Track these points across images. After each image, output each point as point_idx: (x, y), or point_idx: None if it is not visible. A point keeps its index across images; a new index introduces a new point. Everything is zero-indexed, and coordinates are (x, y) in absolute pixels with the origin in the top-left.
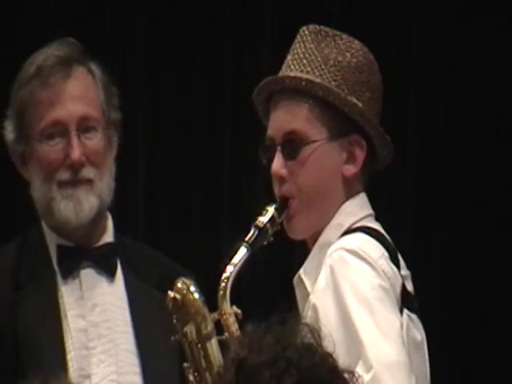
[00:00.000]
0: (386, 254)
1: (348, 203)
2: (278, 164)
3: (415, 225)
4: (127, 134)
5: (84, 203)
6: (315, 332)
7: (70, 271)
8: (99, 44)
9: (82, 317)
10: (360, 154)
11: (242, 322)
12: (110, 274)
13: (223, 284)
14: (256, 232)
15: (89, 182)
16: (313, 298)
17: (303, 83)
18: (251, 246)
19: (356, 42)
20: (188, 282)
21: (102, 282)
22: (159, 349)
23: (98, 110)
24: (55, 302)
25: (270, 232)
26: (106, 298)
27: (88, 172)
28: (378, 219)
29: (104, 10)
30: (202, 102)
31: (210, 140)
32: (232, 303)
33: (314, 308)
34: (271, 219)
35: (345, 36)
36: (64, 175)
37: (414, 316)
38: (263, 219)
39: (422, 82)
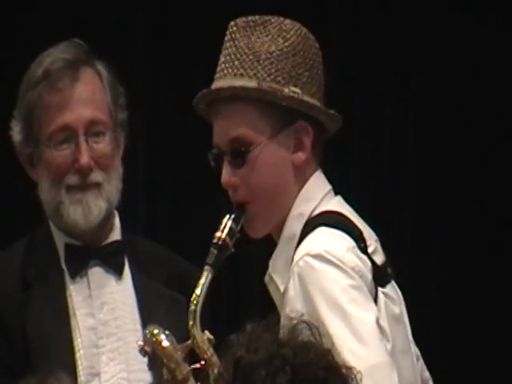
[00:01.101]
0: (352, 243)
1: (304, 189)
2: (226, 174)
3: (415, 225)
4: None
5: (93, 208)
6: (314, 329)
7: (78, 270)
8: (99, 44)
9: (91, 315)
10: (307, 140)
11: (241, 325)
12: (118, 272)
13: (192, 307)
14: (216, 251)
15: (97, 185)
16: (286, 308)
17: (237, 92)
18: (213, 267)
19: (286, 21)
20: (155, 331)
21: (110, 281)
22: None
23: (105, 112)
24: (64, 300)
25: (231, 244)
26: (114, 297)
27: (96, 176)
28: (377, 219)
29: (104, 10)
30: None
31: (210, 140)
32: (232, 304)
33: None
34: (229, 231)
35: (274, 19)
36: (72, 179)
37: (388, 289)
38: (221, 235)
39: (422, 82)
